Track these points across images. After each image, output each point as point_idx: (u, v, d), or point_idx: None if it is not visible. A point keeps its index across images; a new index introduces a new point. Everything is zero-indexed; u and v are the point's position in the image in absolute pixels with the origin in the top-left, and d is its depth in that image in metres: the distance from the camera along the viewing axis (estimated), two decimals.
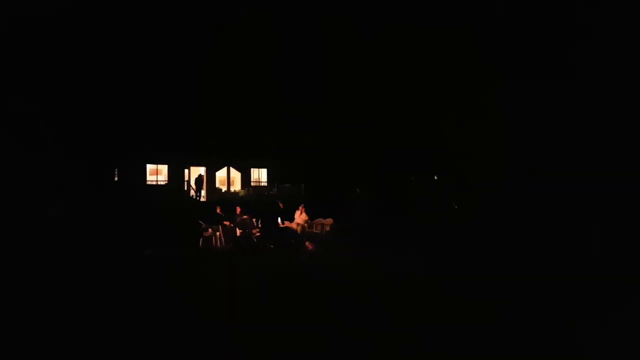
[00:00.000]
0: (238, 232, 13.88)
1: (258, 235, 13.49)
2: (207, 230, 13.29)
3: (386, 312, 5.96)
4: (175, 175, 25.85)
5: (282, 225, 13.97)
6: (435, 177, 23.02)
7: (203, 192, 25.39)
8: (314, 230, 14.18)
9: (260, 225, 13.85)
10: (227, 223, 13.91)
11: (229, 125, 28.00)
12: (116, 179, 24.91)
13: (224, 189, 27.77)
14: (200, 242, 13.02)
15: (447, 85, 24.31)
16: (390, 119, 26.89)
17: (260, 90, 28.48)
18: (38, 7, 20.23)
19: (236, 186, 28.48)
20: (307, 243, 13.40)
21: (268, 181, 29.34)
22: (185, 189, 25.79)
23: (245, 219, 14.19)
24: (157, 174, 25.83)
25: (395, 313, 5.93)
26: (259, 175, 29.80)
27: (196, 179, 25.20)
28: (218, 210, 14.32)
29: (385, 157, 25.89)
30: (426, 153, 24.10)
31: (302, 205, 14.79)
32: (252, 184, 28.80)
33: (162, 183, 25.70)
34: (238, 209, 14.55)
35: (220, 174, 28.22)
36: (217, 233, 13.38)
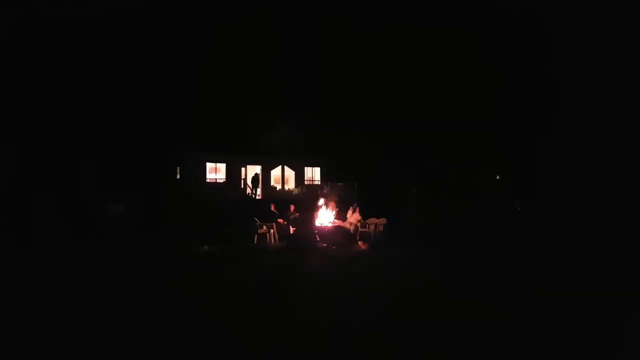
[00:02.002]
0: (291, 229, 14.11)
1: (310, 233, 13.61)
2: (262, 228, 13.61)
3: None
4: (233, 174, 26.77)
5: (335, 224, 14.00)
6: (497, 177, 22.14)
7: (259, 190, 26.05)
8: (367, 230, 14.09)
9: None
10: (281, 221, 14.18)
11: (284, 127, 28.45)
12: (178, 176, 26.23)
13: (279, 187, 28.30)
14: (255, 239, 13.35)
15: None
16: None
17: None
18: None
19: (290, 184, 28.92)
20: (359, 242, 13.35)
21: (321, 180, 29.51)
22: (242, 187, 26.60)
23: (298, 216, 14.39)
24: (215, 172, 26.88)
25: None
26: (313, 174, 30.05)
27: (252, 178, 25.90)
28: (272, 208, 14.62)
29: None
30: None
31: (356, 204, 14.76)
32: (306, 182, 29.10)
33: (220, 181, 26.69)
34: (292, 207, 14.79)
35: (275, 173, 28.79)
36: (272, 230, 13.68)
